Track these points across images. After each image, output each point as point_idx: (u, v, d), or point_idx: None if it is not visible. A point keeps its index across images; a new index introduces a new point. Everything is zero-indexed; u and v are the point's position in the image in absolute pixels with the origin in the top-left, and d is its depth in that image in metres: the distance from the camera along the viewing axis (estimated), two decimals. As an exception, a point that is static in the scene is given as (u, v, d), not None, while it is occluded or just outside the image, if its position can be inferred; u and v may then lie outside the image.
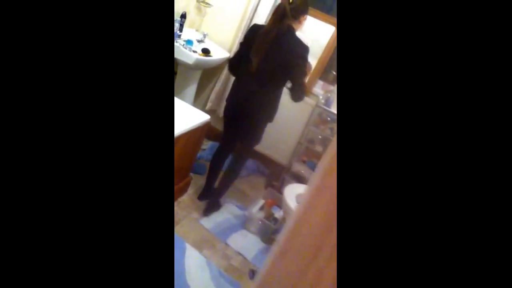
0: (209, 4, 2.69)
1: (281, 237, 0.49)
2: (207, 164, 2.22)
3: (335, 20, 2.55)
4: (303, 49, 1.70)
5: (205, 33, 2.68)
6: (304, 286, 0.47)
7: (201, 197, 2.06)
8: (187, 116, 1.82)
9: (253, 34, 1.74)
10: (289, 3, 1.65)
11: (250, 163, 2.74)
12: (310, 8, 2.53)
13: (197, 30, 2.78)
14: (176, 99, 1.93)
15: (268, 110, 1.87)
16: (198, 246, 1.68)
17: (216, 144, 2.24)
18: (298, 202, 1.71)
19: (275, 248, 0.50)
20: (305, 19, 1.77)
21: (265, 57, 1.68)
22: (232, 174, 2.05)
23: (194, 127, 1.79)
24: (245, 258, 1.75)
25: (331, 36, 2.59)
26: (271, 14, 1.74)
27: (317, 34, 2.66)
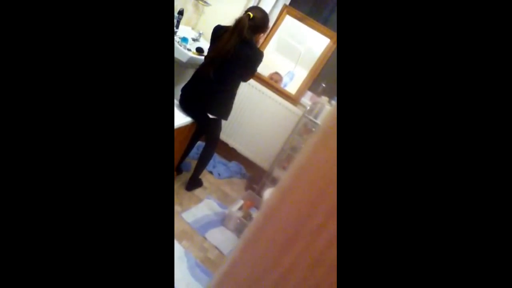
0: (207, 3, 2.94)
1: (252, 225, 0.51)
2: (193, 162, 2.51)
3: (330, 32, 2.84)
4: (258, 58, 2.14)
5: (201, 32, 2.93)
6: (275, 273, 0.49)
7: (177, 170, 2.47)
8: (176, 113, 2.07)
9: (215, 36, 2.13)
10: (249, 19, 2.01)
11: (233, 165, 3.03)
12: (307, 17, 2.84)
13: (193, 29, 3.02)
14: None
15: (223, 108, 2.24)
16: (178, 238, 1.94)
17: (202, 144, 2.52)
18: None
19: (246, 235, 0.52)
20: (264, 35, 2.19)
21: (224, 65, 2.05)
22: (205, 158, 2.44)
23: (183, 125, 2.04)
24: (221, 252, 2.02)
25: (325, 48, 2.88)
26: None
27: (311, 43, 2.94)
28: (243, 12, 2.07)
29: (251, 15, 2.00)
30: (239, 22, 2.00)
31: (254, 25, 2.02)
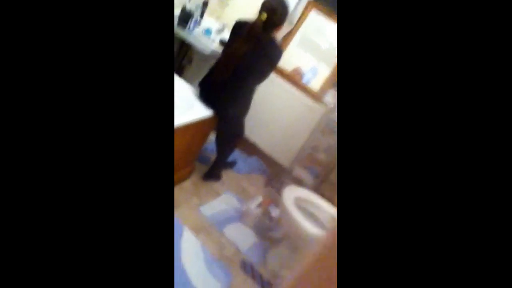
0: (232, -6, 2.90)
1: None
2: (212, 156, 2.48)
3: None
4: (277, 55, 2.05)
5: (225, 23, 2.89)
6: None
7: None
8: (199, 105, 2.03)
9: (233, 34, 2.06)
10: (263, 21, 1.91)
11: (253, 161, 2.98)
12: (332, 12, 2.77)
13: (217, 20, 2.98)
14: (190, 88, 2.15)
15: (241, 105, 2.18)
16: (195, 231, 1.90)
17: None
18: (296, 205, 1.92)
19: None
20: (282, 26, 2.05)
21: (242, 63, 1.98)
22: (225, 152, 2.40)
23: (205, 118, 2.00)
24: (238, 249, 1.97)
25: (350, 45, 2.80)
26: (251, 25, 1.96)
27: (334, 38, 2.87)
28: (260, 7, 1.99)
29: (264, 17, 1.91)
30: (251, 29, 1.93)
31: (270, 23, 1.94)
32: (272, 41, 2.01)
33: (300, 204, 2.03)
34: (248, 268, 1.88)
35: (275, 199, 2.43)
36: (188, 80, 2.54)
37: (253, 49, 1.95)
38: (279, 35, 2.09)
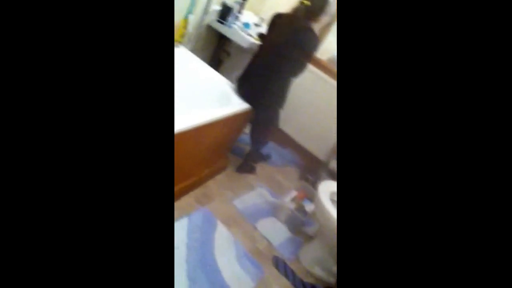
0: (271, -12, 2.86)
1: None
2: (246, 148, 2.49)
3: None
4: (314, 45, 2.01)
5: (263, 17, 2.87)
6: None
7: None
8: (236, 99, 2.04)
9: (271, 25, 2.06)
10: (305, 7, 1.90)
11: (287, 153, 2.95)
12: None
13: (255, 14, 2.97)
14: (227, 81, 2.16)
15: (278, 96, 2.16)
16: (228, 224, 1.92)
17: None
18: (332, 200, 1.88)
19: None
20: (321, 17, 2.01)
21: (279, 52, 1.98)
22: (258, 144, 2.40)
23: (241, 111, 2.00)
24: (270, 243, 1.97)
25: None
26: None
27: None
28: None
29: (305, 3, 1.89)
30: (291, 16, 1.92)
31: (311, 11, 1.92)
32: (309, 30, 1.97)
33: (336, 199, 1.98)
34: (280, 264, 1.87)
35: (309, 193, 2.40)
36: (226, 73, 2.55)
37: (290, 39, 1.94)
38: (318, 26, 2.04)
